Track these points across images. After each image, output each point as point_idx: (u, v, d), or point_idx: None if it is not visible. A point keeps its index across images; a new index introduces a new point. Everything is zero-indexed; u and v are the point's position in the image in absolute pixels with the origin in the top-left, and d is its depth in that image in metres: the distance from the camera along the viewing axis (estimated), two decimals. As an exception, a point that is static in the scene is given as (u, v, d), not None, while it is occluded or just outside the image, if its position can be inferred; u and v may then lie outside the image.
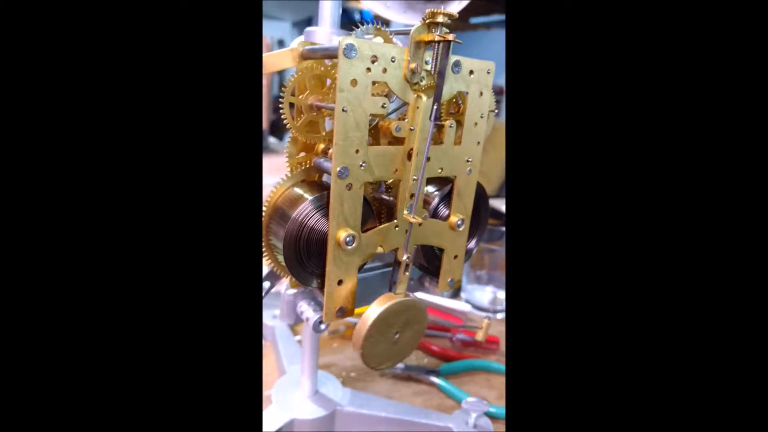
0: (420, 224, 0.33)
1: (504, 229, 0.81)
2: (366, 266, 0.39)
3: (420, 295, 0.75)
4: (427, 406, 0.56)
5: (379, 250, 0.32)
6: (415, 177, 0.31)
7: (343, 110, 0.26)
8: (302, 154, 0.32)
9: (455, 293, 0.82)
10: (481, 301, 0.78)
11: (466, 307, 0.75)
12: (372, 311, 0.30)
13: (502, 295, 0.77)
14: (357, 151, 0.28)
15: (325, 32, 0.34)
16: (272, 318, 0.69)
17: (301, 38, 0.34)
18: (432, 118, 0.29)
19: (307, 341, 0.50)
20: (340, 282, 0.30)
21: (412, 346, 0.34)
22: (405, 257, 0.32)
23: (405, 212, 0.31)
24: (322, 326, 0.33)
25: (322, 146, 0.32)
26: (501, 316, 0.75)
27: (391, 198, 0.33)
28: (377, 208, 0.35)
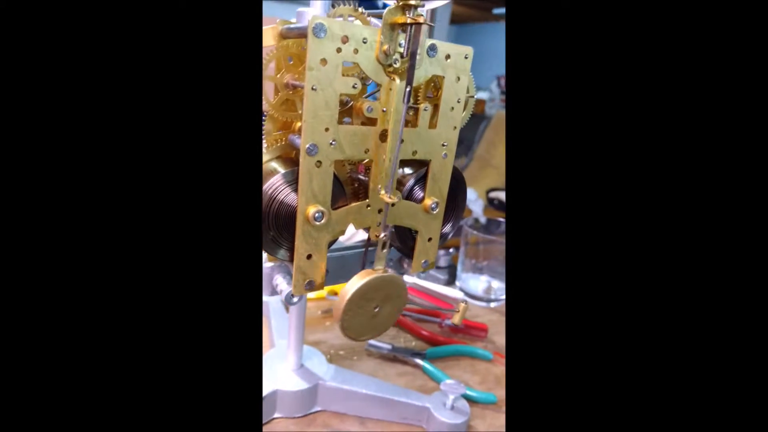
0: (393, 204, 0.34)
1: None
2: (344, 245, 0.40)
3: (418, 281, 0.76)
4: (409, 386, 0.58)
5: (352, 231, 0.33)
6: (389, 158, 0.32)
7: (312, 89, 0.27)
8: (281, 132, 0.33)
9: (450, 281, 0.83)
10: (476, 289, 0.78)
11: (458, 295, 0.76)
12: (351, 285, 0.31)
13: (496, 284, 0.77)
14: (327, 129, 0.28)
15: (317, 13, 0.35)
16: (268, 295, 0.70)
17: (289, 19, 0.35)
18: (405, 101, 0.29)
19: (294, 317, 0.51)
20: (309, 257, 0.31)
21: (392, 321, 0.35)
22: (382, 235, 0.32)
23: (382, 192, 0.32)
24: (294, 299, 0.34)
25: (299, 125, 0.33)
26: (495, 305, 0.76)
27: (368, 178, 0.34)
28: (355, 189, 0.36)
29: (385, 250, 0.32)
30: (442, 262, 0.85)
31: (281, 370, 0.53)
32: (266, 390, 0.51)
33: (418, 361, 0.61)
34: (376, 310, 0.33)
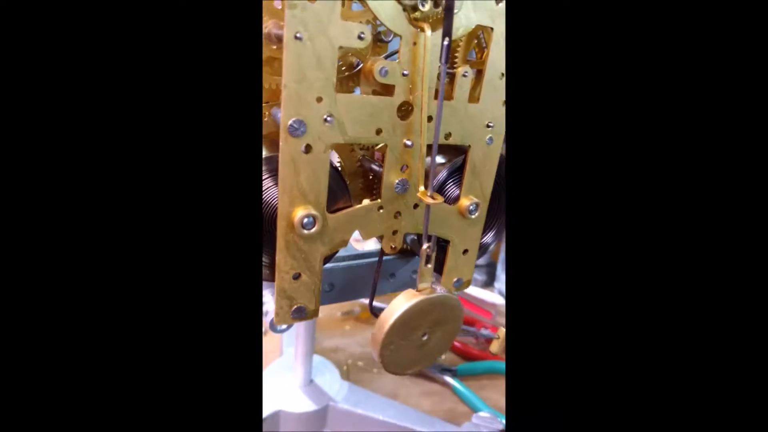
0: (414, 205, 0.25)
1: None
2: (355, 253, 0.31)
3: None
4: (435, 410, 0.49)
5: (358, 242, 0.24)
6: (409, 141, 0.23)
7: (295, 37, 0.18)
8: (266, 103, 0.25)
9: (489, 281, 0.73)
10: (518, 293, 0.68)
11: (498, 300, 0.66)
12: (390, 312, 0.24)
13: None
14: (319, 99, 0.20)
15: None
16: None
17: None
18: (443, 59, 0.20)
19: (302, 323, 0.43)
20: (297, 276, 0.23)
21: (444, 348, 0.29)
22: (425, 246, 0.24)
23: (421, 189, 0.23)
24: (283, 326, 0.26)
25: (289, 93, 0.24)
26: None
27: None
28: (368, 183, 0.27)
29: (429, 265, 0.24)
30: (480, 260, 0.76)
31: (287, 385, 0.46)
32: (268, 410, 0.44)
33: (448, 379, 0.53)
34: (424, 338, 0.26)
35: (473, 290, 0.67)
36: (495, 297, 0.66)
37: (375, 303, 0.30)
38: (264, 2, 0.22)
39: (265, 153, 0.23)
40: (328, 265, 0.30)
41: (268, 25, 0.22)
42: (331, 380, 0.47)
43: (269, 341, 0.58)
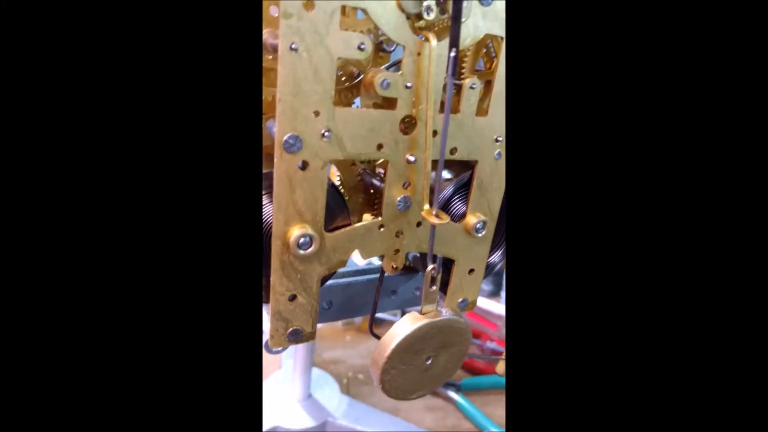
0: (417, 223, 0.23)
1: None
2: (354, 269, 0.30)
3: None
4: (438, 426, 0.48)
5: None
6: (411, 157, 0.21)
7: (291, 48, 0.17)
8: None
9: (495, 291, 0.71)
10: (524, 304, 0.67)
11: (504, 311, 0.64)
12: (391, 337, 0.23)
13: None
14: (316, 113, 0.19)
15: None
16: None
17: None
18: (450, 71, 0.19)
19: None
20: (293, 298, 0.22)
21: (452, 370, 0.27)
22: (430, 267, 0.23)
23: (426, 207, 0.22)
24: (280, 347, 0.25)
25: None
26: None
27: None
28: (369, 197, 0.26)
29: (434, 287, 0.23)
30: (486, 270, 0.74)
31: (285, 399, 0.45)
32: (265, 425, 0.43)
33: (451, 394, 0.51)
34: (429, 362, 0.25)
35: (479, 300, 0.65)
36: (501, 308, 0.65)
37: (382, 316, 0.29)
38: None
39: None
40: (327, 282, 0.28)
41: (264, 34, 0.21)
42: (330, 395, 0.46)
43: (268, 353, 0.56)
